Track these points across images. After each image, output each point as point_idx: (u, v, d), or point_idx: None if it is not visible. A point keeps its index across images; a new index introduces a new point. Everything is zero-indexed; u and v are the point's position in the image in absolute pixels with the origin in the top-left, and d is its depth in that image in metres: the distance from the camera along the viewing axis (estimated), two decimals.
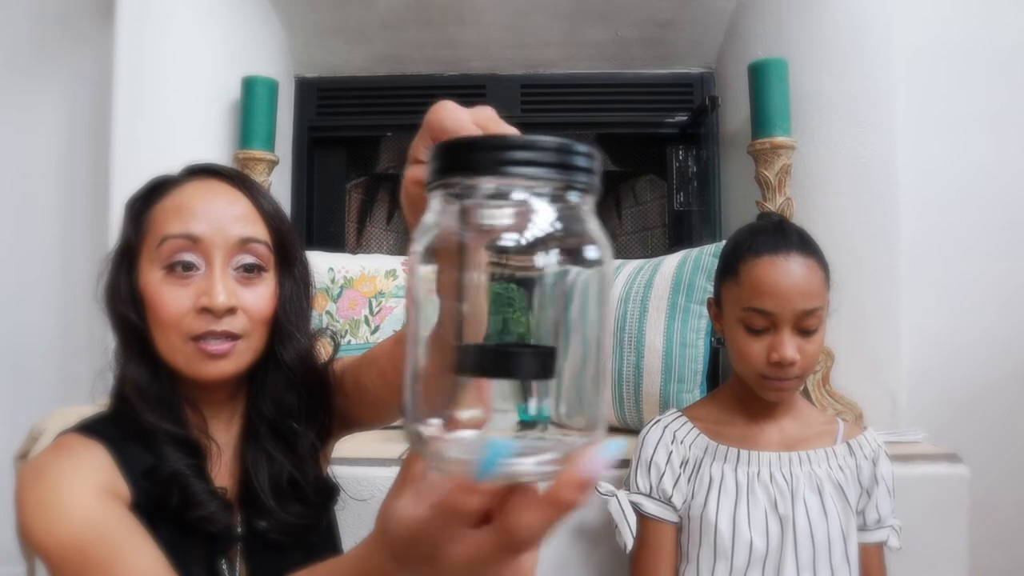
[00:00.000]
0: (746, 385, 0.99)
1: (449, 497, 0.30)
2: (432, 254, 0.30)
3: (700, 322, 1.30)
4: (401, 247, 2.01)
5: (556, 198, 0.29)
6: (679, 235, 1.76)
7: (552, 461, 0.28)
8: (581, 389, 0.30)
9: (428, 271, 0.30)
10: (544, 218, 0.29)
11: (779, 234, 0.95)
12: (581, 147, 0.29)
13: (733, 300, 0.96)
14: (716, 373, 1.50)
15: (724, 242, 1.35)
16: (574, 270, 0.29)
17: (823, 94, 1.40)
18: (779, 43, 1.46)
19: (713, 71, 1.72)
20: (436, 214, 0.30)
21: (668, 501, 0.97)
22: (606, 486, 1.01)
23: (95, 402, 0.94)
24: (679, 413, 1.04)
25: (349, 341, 1.41)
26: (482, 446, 0.27)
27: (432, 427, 0.30)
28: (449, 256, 0.29)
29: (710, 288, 1.30)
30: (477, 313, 0.30)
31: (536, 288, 0.30)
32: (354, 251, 1.78)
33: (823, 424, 1.01)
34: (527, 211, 0.29)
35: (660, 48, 1.69)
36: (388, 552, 0.36)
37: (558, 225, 0.29)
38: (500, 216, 0.29)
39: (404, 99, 1.74)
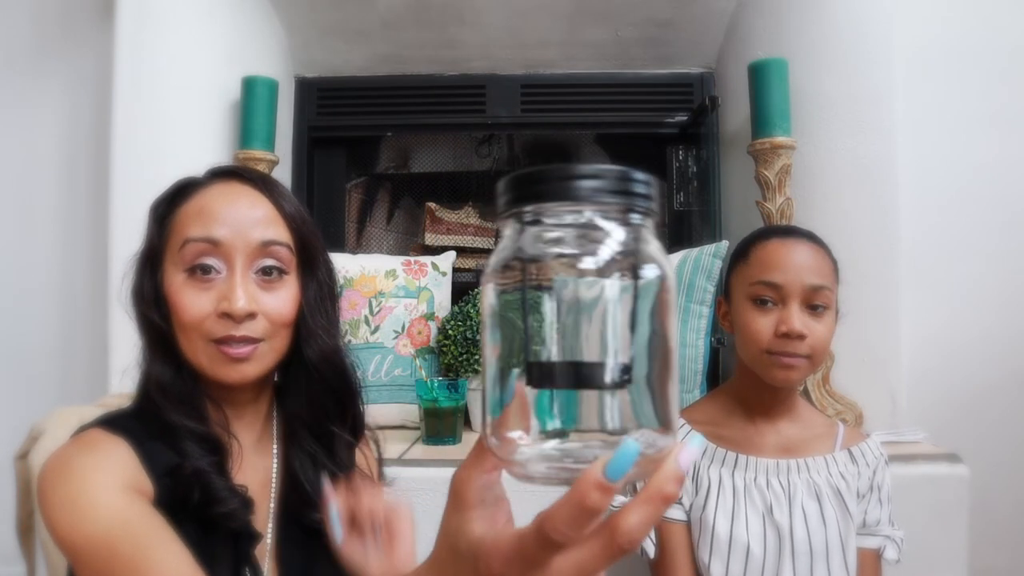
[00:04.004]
0: (746, 382, 0.98)
1: (581, 496, 0.29)
2: (506, 274, 0.33)
3: (700, 322, 1.30)
4: (401, 247, 2.01)
5: (621, 221, 0.33)
6: (679, 235, 1.76)
7: (646, 462, 0.31)
8: (655, 394, 0.33)
9: (503, 290, 0.33)
10: (612, 239, 0.32)
11: (789, 228, 1.01)
12: (640, 175, 0.33)
13: (742, 280, 0.96)
14: (716, 373, 1.50)
15: (724, 242, 1.36)
16: (640, 286, 0.32)
17: (823, 94, 1.40)
18: (779, 43, 1.46)
19: (713, 71, 1.72)
20: (511, 239, 0.34)
21: (679, 502, 0.98)
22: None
23: (95, 402, 0.94)
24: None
25: (349, 341, 1.41)
26: (616, 447, 0.30)
27: (516, 440, 0.33)
28: (523, 277, 0.33)
29: (710, 288, 1.30)
30: (552, 330, 0.33)
31: (606, 304, 0.32)
32: (354, 251, 1.79)
33: (822, 427, 1.01)
34: (597, 233, 0.32)
35: (660, 48, 1.69)
36: None
37: (625, 245, 0.32)
38: (573, 238, 0.32)
39: (404, 99, 1.74)
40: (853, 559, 0.93)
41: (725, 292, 1.03)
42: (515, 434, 0.33)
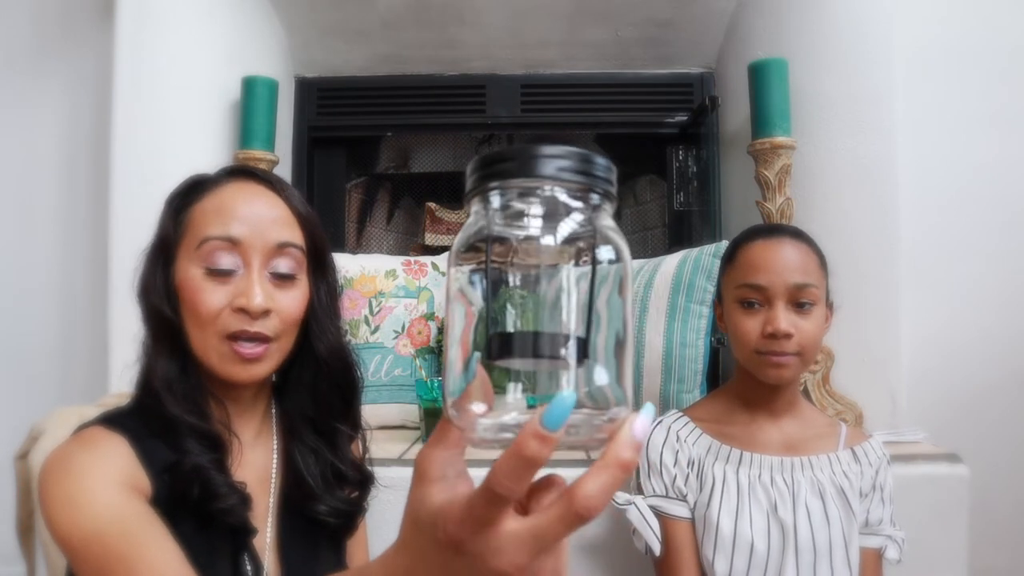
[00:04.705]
0: (746, 381, 0.99)
1: (520, 446, 0.30)
2: (471, 253, 0.34)
3: (700, 322, 1.30)
4: (401, 247, 2.01)
5: (582, 200, 0.34)
6: (679, 235, 1.76)
7: (599, 430, 0.32)
8: (609, 369, 0.34)
9: (468, 268, 0.34)
10: (573, 216, 0.33)
11: (774, 226, 1.02)
12: (601, 159, 0.34)
13: (730, 283, 0.98)
14: (716, 373, 1.50)
15: (724, 242, 1.36)
16: (598, 264, 0.33)
17: (823, 94, 1.40)
18: (779, 43, 1.46)
19: (713, 71, 1.72)
20: (476, 218, 0.35)
21: (684, 499, 0.98)
22: (623, 495, 1.01)
23: (95, 402, 0.94)
24: (680, 413, 1.04)
25: (349, 341, 1.41)
26: (554, 398, 0.30)
27: (476, 413, 0.33)
28: (486, 255, 0.33)
29: (710, 288, 1.30)
30: (513, 305, 0.34)
31: (565, 280, 0.33)
32: (354, 251, 1.79)
33: (825, 426, 1.01)
34: (559, 210, 0.33)
35: (660, 48, 1.69)
36: (425, 548, 0.35)
37: (584, 224, 0.33)
38: (535, 215, 0.34)
39: (404, 99, 1.74)
40: (856, 557, 0.94)
41: (718, 294, 1.04)
42: (475, 407, 0.33)
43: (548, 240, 0.33)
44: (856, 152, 1.37)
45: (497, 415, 0.33)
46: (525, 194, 0.34)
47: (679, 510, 0.97)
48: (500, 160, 0.34)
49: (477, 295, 0.34)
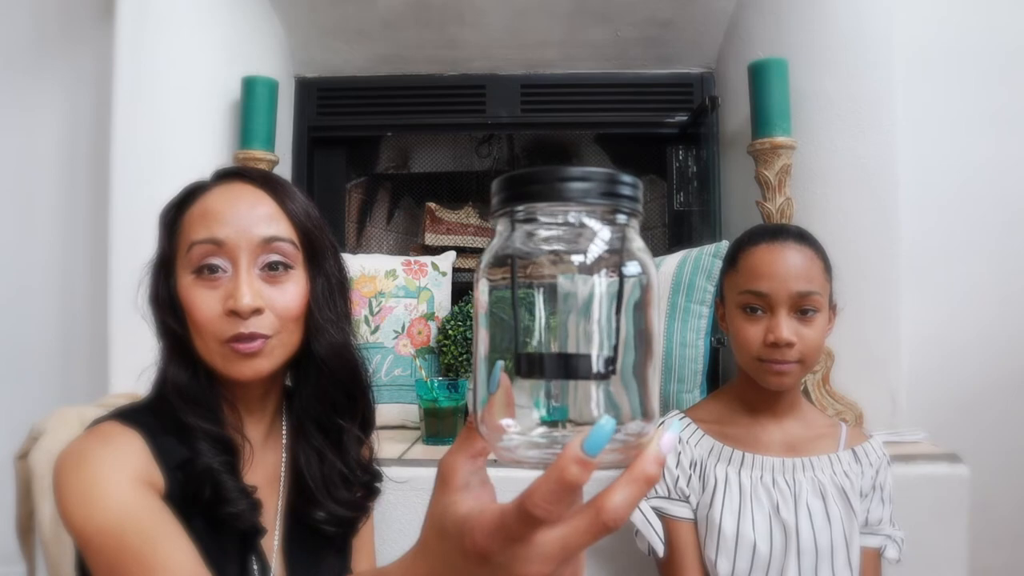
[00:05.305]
0: (748, 383, 0.99)
1: (561, 471, 0.31)
2: (498, 269, 0.35)
3: (700, 322, 1.30)
4: (401, 247, 2.01)
5: (607, 220, 0.34)
6: (679, 235, 1.76)
7: (625, 446, 0.33)
8: (637, 387, 0.34)
9: (495, 284, 0.35)
10: (599, 237, 0.34)
11: (777, 229, 0.99)
12: (627, 177, 0.35)
13: (732, 287, 0.98)
14: (716, 373, 1.50)
15: (724, 242, 1.36)
16: (625, 282, 0.34)
17: (823, 94, 1.40)
18: (779, 43, 1.46)
19: (713, 71, 1.72)
20: (503, 237, 0.35)
21: (686, 500, 0.98)
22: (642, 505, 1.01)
23: (95, 402, 0.94)
24: (681, 414, 1.04)
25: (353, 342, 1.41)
26: (594, 425, 0.31)
27: (505, 428, 0.34)
28: (513, 273, 0.34)
29: (710, 288, 1.30)
30: (540, 323, 0.34)
31: (592, 299, 0.34)
32: (354, 251, 1.79)
33: (825, 427, 1.01)
34: (585, 232, 0.34)
35: (660, 48, 1.69)
36: (449, 555, 0.35)
37: (611, 244, 0.34)
38: (562, 236, 0.34)
39: (404, 99, 1.74)
40: (857, 558, 0.94)
41: (720, 294, 1.04)
42: (505, 422, 0.34)
43: (575, 261, 0.34)
44: (856, 152, 1.37)
45: (524, 430, 0.34)
46: (552, 215, 0.34)
47: (682, 511, 0.97)
48: (527, 182, 0.34)
49: (504, 312, 0.34)
